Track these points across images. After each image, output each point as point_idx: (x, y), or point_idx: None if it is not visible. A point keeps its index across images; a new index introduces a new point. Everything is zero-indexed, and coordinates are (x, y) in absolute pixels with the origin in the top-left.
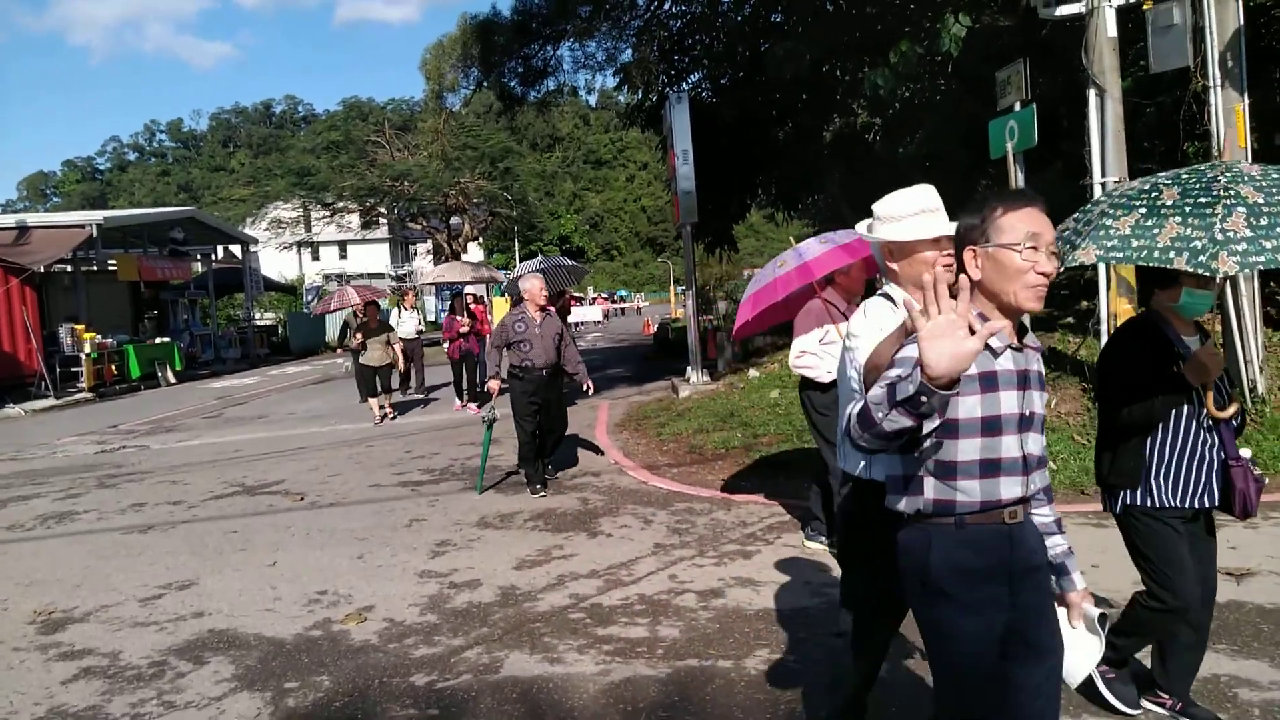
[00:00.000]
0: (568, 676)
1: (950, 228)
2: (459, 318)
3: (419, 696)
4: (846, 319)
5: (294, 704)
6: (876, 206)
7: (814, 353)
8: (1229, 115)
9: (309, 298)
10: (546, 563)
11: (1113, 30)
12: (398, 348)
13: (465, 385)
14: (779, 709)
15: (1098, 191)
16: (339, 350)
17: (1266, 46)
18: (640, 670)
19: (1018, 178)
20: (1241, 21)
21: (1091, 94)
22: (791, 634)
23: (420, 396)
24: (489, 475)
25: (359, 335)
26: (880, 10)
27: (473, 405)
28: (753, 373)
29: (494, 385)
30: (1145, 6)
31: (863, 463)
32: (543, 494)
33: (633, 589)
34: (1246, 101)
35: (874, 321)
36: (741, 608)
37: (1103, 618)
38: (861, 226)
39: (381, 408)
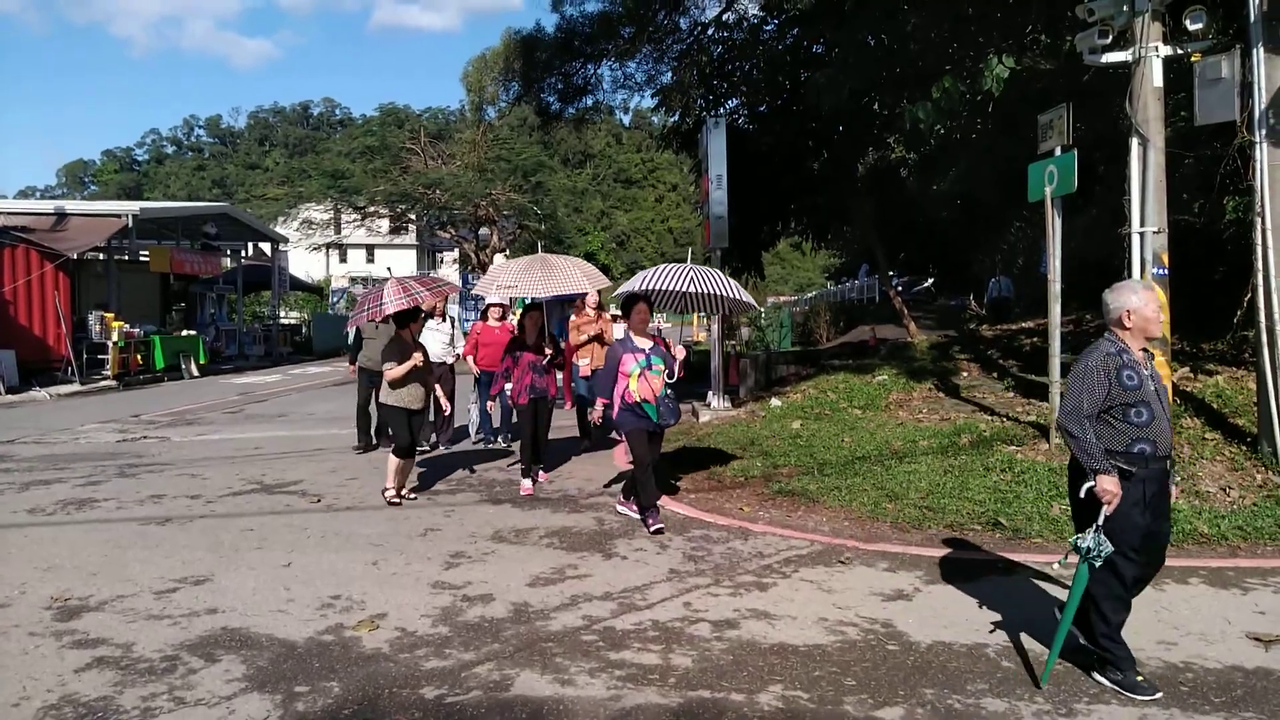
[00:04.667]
0: (578, 700)
1: None
2: (543, 351)
3: (428, 710)
4: None
5: (303, 708)
6: None
7: None
8: (1274, 172)
9: (334, 299)
10: (560, 581)
11: (1159, 80)
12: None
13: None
14: None
15: (1136, 241)
16: (350, 369)
17: None
18: (651, 698)
19: (1055, 223)
20: None
21: (1134, 143)
22: (806, 671)
23: (443, 450)
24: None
25: (394, 362)
26: (923, 47)
27: (544, 474)
28: (775, 402)
29: (1110, 484)
30: (1193, 59)
31: None
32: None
33: (646, 614)
34: None
35: None
36: (756, 641)
37: None
38: None
39: (402, 489)
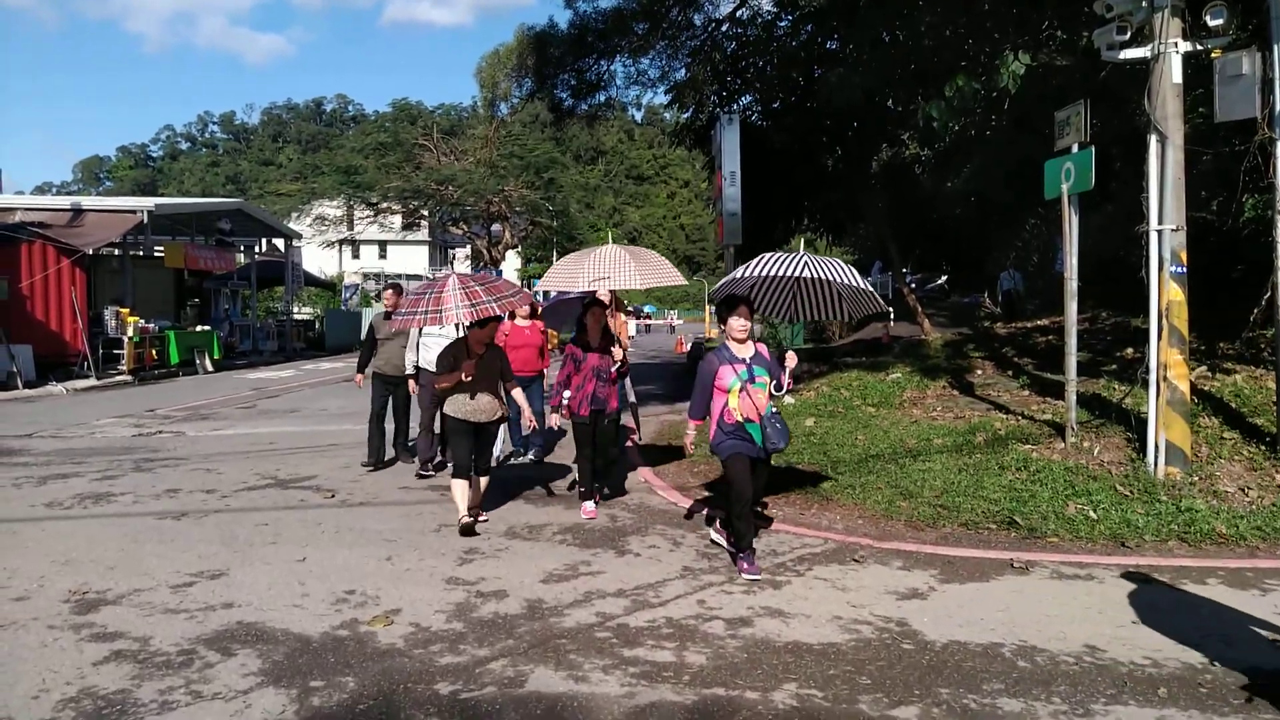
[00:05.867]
0: (592, 696)
1: None
2: (612, 350)
3: (443, 706)
4: None
5: (319, 703)
6: None
7: None
8: None
9: (347, 295)
10: (574, 578)
11: (1178, 77)
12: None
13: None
14: None
15: (1154, 239)
16: (358, 379)
17: None
18: (666, 695)
19: (1072, 220)
20: None
21: (1152, 140)
22: (821, 670)
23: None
24: None
25: (451, 371)
26: (938, 44)
27: (591, 510)
28: (787, 399)
29: None
30: (1214, 55)
31: None
32: None
33: (660, 611)
34: None
35: None
36: (770, 639)
37: None
38: None
39: (473, 511)
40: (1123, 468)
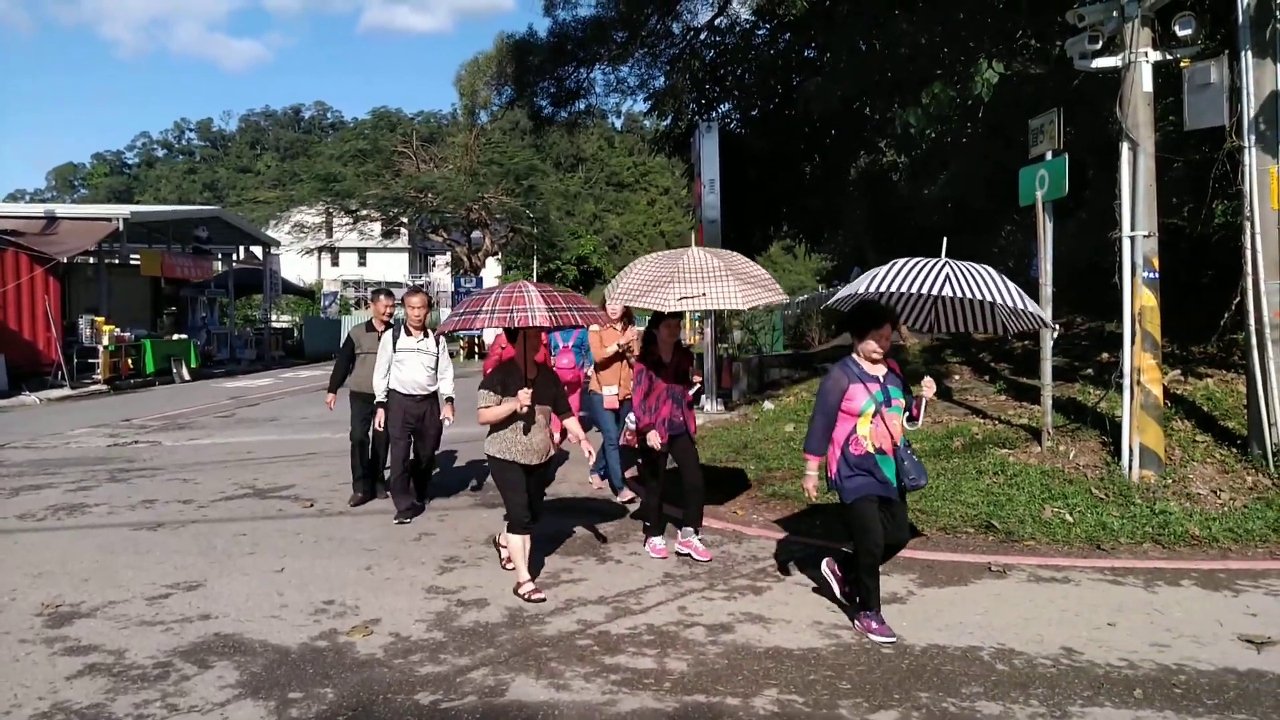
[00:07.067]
0: (573, 704)
1: None
2: (687, 374)
3: (423, 716)
4: None
5: (298, 715)
6: None
7: None
8: (1263, 176)
9: (326, 302)
10: (555, 586)
11: (1148, 85)
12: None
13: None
14: None
15: (1126, 245)
16: (329, 400)
17: None
18: (647, 703)
19: (1046, 226)
20: (1279, 84)
21: (1124, 147)
22: (801, 675)
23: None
24: None
25: (497, 396)
26: (914, 52)
27: (700, 547)
28: (767, 405)
29: None
30: (1183, 64)
31: None
32: None
33: (641, 618)
34: None
35: None
36: (751, 645)
37: None
38: None
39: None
40: (1098, 471)
